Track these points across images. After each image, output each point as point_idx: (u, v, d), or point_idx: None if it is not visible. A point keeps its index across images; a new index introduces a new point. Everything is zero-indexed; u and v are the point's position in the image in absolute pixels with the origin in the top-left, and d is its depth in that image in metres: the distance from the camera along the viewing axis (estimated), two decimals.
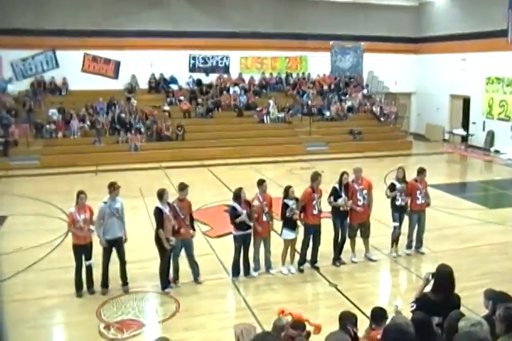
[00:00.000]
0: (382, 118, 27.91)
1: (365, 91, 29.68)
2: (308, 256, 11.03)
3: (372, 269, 11.22)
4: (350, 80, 30.18)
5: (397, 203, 11.58)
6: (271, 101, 26.59)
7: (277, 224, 11.03)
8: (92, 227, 9.82)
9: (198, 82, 27.72)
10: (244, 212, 10.20)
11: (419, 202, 11.60)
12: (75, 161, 21.78)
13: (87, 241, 9.75)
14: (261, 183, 10.60)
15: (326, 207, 11.18)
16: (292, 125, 26.48)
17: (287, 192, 10.57)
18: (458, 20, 27.53)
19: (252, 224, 10.33)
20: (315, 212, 10.65)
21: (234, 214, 10.26)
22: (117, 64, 26.77)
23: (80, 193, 9.77)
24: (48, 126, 23.14)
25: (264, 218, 10.43)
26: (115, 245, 9.86)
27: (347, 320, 5.33)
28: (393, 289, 10.66)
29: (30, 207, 15.94)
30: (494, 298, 5.53)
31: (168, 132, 24.15)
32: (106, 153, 22.71)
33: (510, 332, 4.57)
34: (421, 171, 11.71)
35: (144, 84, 27.17)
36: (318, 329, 5.47)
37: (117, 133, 23.83)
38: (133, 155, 23.00)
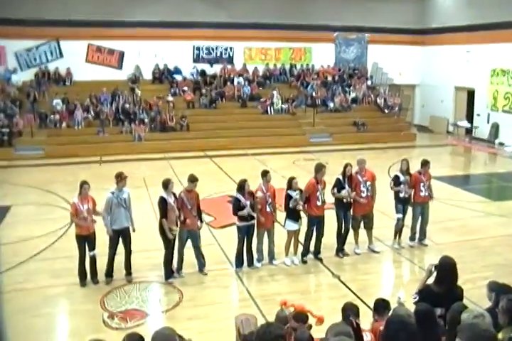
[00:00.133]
0: (386, 110, 27.84)
1: (369, 82, 29.60)
2: (312, 248, 11.04)
3: (375, 261, 11.23)
4: (354, 71, 30.06)
5: (401, 195, 11.56)
6: (275, 93, 26.54)
7: (281, 215, 11.04)
8: (94, 217, 9.86)
9: (202, 73, 27.66)
10: (248, 203, 10.21)
11: (422, 194, 11.59)
12: (78, 151, 21.81)
13: (90, 231, 9.77)
14: (265, 174, 10.58)
15: (329, 199, 11.18)
16: (296, 116, 26.45)
17: (291, 183, 10.57)
18: (463, 11, 27.38)
19: (255, 215, 10.33)
20: (319, 203, 10.65)
21: (237, 205, 10.27)
22: (121, 54, 26.73)
23: (84, 183, 9.77)
24: (52, 116, 23.18)
25: (268, 209, 10.44)
26: (122, 235, 9.89)
27: (349, 311, 5.34)
28: (396, 281, 10.69)
29: (34, 197, 15.99)
30: (497, 290, 5.54)
31: (171, 123, 24.14)
32: (110, 143, 22.75)
33: None
34: (425, 163, 11.67)
35: (147, 75, 27.13)
36: (320, 320, 5.48)
37: (121, 124, 23.84)
38: (137, 145, 23.02)
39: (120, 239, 9.93)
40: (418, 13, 30.39)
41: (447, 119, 29.25)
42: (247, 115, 26.04)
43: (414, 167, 11.97)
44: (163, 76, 27.11)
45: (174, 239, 10.00)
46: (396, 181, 11.57)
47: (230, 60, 28.53)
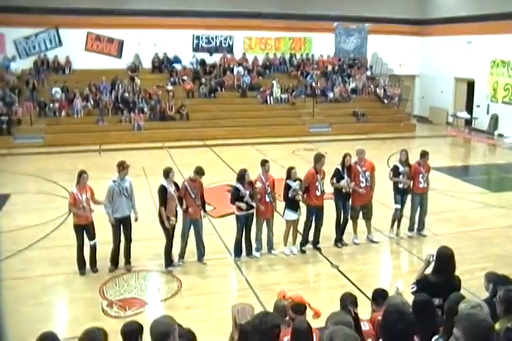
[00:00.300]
0: (385, 101, 27.80)
1: (368, 73, 29.54)
2: (311, 237, 11.06)
3: (373, 251, 11.25)
4: (354, 62, 29.98)
5: (400, 186, 11.58)
6: (274, 82, 26.49)
7: (280, 205, 11.05)
8: (92, 206, 9.86)
9: (202, 62, 27.58)
10: (247, 192, 10.21)
11: (421, 185, 11.59)
12: (78, 140, 21.78)
13: (88, 220, 9.79)
14: (263, 164, 10.59)
15: (328, 189, 11.19)
16: (296, 106, 26.42)
17: (290, 173, 10.57)
18: (464, 2, 27.28)
19: (254, 204, 10.34)
20: (318, 193, 10.66)
21: (236, 194, 10.27)
22: (121, 43, 26.64)
23: (82, 173, 9.74)
24: (51, 104, 23.15)
25: (267, 199, 10.44)
26: (123, 224, 9.90)
27: (347, 300, 5.36)
28: (394, 271, 10.72)
29: (33, 186, 16.01)
30: (495, 280, 5.56)
31: (171, 112, 24.11)
32: (109, 132, 22.72)
33: (509, 314, 4.60)
34: (424, 154, 11.66)
35: (147, 64, 27.05)
36: (317, 314, 5.50)
37: (120, 113, 23.80)
38: (136, 134, 23.00)
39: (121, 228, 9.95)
40: (418, 3, 30.29)
41: (447, 110, 29.23)
42: (247, 105, 26.00)
43: (414, 158, 11.96)
44: (163, 65, 27.04)
45: (173, 228, 10.01)
46: (395, 171, 11.57)
47: (230, 49, 28.45)
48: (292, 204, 10.64)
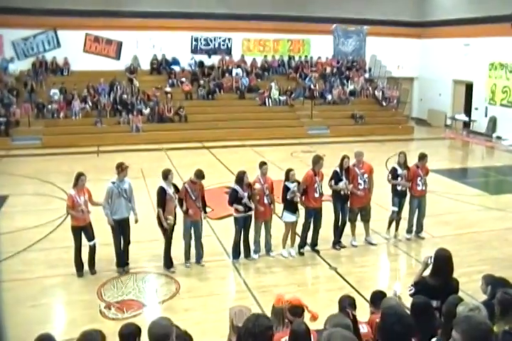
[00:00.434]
0: (384, 103, 27.83)
1: (367, 75, 29.56)
2: (309, 240, 11.06)
3: (372, 253, 11.26)
4: (352, 64, 30.00)
5: (398, 188, 11.59)
6: (273, 84, 26.49)
7: (278, 207, 11.04)
8: (90, 208, 9.83)
9: (200, 64, 27.57)
10: (246, 194, 10.21)
11: (419, 188, 11.59)
12: (76, 142, 21.76)
13: (86, 222, 9.76)
14: (261, 166, 10.59)
15: (327, 191, 11.19)
16: (294, 108, 26.42)
17: (288, 175, 10.56)
18: (462, 4, 27.31)
19: (253, 206, 10.34)
20: (316, 195, 10.66)
21: (235, 196, 10.27)
22: (119, 44, 26.63)
23: (80, 175, 9.70)
24: (49, 106, 23.12)
25: (266, 201, 10.44)
26: (122, 225, 9.88)
27: (346, 303, 5.36)
28: (392, 273, 10.69)
29: (31, 187, 15.98)
30: (493, 283, 5.56)
31: (169, 114, 24.11)
32: (107, 133, 22.70)
33: (505, 316, 4.61)
34: (422, 157, 11.67)
35: (145, 65, 27.04)
36: (314, 317, 5.49)
37: (119, 115, 23.79)
38: (134, 136, 22.99)
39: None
40: (417, 5, 30.31)
41: (445, 113, 29.25)
42: (245, 107, 25.98)
43: (412, 160, 11.98)
44: (161, 67, 27.04)
45: (172, 230, 10.01)
46: (394, 174, 11.57)
47: (228, 51, 28.44)
48: (290, 206, 10.63)
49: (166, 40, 26.81)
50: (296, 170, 10.79)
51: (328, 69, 29.00)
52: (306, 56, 29.52)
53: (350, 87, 28.13)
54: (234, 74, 27.28)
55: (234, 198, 10.26)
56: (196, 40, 27.79)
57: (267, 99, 26.19)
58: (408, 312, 4.87)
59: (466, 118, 27.32)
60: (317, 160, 10.70)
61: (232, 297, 9.36)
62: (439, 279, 5.79)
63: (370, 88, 28.48)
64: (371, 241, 11.57)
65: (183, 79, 26.22)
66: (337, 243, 11.33)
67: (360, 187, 11.15)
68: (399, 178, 11.50)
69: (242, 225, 10.45)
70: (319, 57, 29.56)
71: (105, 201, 9.78)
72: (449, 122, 28.80)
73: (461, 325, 3.76)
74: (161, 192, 9.80)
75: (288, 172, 10.60)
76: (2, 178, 16.81)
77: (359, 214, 11.44)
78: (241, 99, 26.43)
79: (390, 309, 4.50)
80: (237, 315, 4.91)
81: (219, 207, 12.86)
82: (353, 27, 29.60)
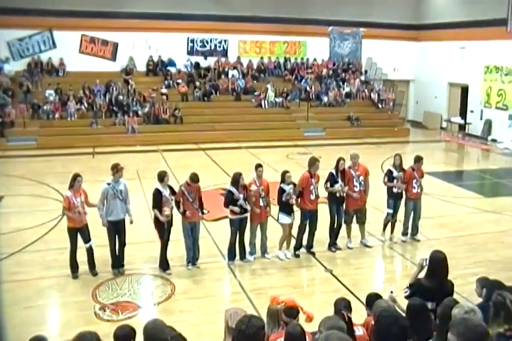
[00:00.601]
0: (380, 105, 27.86)
1: (363, 77, 29.59)
2: (304, 242, 11.06)
3: (367, 255, 11.26)
4: (348, 66, 30.05)
5: (394, 190, 11.60)
6: (269, 86, 26.51)
7: (274, 209, 11.03)
8: (86, 209, 9.80)
9: (196, 65, 27.57)
10: (241, 196, 10.21)
11: (414, 190, 11.59)
12: (72, 143, 21.72)
13: (82, 223, 9.73)
14: (256, 168, 10.58)
15: (322, 193, 11.19)
16: (290, 110, 26.45)
17: (284, 177, 10.55)
18: (458, 7, 27.38)
19: (248, 207, 10.33)
20: (312, 197, 10.66)
21: (230, 197, 10.25)
22: (115, 45, 26.59)
23: (77, 176, 9.65)
24: (45, 107, 23.07)
25: (261, 203, 10.43)
26: (117, 227, 9.84)
27: (341, 305, 5.36)
28: (388, 275, 10.70)
29: (26, 188, 15.92)
30: (487, 286, 5.58)
31: (165, 115, 24.09)
32: (103, 135, 22.67)
33: (498, 317, 4.61)
34: (418, 159, 11.65)
35: (141, 67, 27.01)
36: (309, 318, 5.49)
37: (114, 116, 23.76)
38: (130, 137, 22.96)
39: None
40: (413, 8, 30.37)
41: (441, 115, 29.32)
42: (241, 108, 25.99)
43: (407, 162, 11.98)
44: (157, 68, 27.02)
45: (169, 233, 9.99)
46: (389, 176, 11.58)
47: (225, 52, 28.44)
48: (286, 208, 10.63)
49: (162, 42, 26.78)
50: (292, 172, 10.78)
51: (324, 72, 29.03)
52: (302, 58, 29.56)
53: (346, 89, 28.16)
54: (230, 75, 27.29)
55: (230, 200, 10.25)
56: (192, 41, 27.77)
57: (262, 101, 26.20)
58: (403, 314, 4.89)
59: (462, 121, 27.38)
60: (313, 162, 10.69)
61: (228, 299, 9.36)
62: (434, 281, 5.80)
63: (366, 90, 28.51)
64: (367, 244, 11.58)
65: (179, 81, 26.21)
66: (333, 245, 11.33)
67: (356, 189, 11.15)
68: (394, 180, 11.51)
69: (237, 227, 10.44)
70: (315, 59, 29.61)
71: (100, 202, 9.75)
72: (444, 125, 28.85)
73: (458, 327, 3.76)
74: (157, 194, 9.78)
75: (284, 174, 10.60)
76: None
77: (355, 217, 11.44)
78: (237, 100, 26.43)
79: (385, 311, 4.51)
80: (232, 317, 4.90)
81: (214, 208, 12.85)
82: (349, 29, 29.66)
